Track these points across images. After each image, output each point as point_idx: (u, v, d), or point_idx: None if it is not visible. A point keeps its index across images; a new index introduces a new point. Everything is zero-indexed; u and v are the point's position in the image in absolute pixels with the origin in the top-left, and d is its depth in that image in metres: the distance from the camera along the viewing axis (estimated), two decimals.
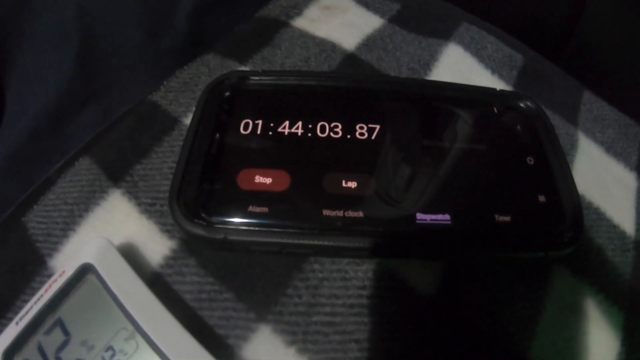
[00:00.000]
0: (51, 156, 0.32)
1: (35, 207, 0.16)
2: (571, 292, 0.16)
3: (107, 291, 0.12)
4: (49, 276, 0.15)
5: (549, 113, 0.20)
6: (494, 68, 0.20)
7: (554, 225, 0.15)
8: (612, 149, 0.20)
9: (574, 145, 0.20)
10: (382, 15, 0.22)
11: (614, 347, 0.15)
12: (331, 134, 0.15)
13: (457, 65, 0.20)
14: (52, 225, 0.16)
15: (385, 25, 0.21)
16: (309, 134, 0.15)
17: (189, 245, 0.14)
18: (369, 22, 0.21)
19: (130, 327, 0.12)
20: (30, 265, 0.15)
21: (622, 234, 0.18)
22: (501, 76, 0.20)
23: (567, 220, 0.15)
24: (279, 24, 0.21)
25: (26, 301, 0.14)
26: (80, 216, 0.15)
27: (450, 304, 0.14)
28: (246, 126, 0.15)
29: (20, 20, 0.28)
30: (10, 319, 0.14)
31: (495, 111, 0.17)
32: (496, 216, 0.14)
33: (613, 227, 0.18)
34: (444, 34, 0.21)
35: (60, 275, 0.14)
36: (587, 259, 0.17)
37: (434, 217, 0.13)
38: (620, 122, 0.22)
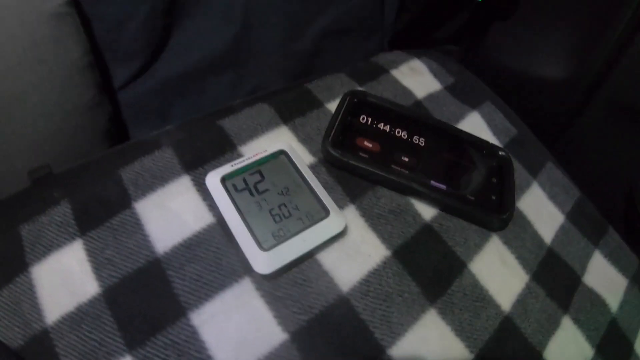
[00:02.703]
0: (187, 99, 0.52)
1: (227, 118, 0.37)
2: (497, 250, 0.36)
3: (290, 163, 0.32)
4: (239, 155, 0.35)
5: (518, 166, 0.41)
6: (495, 132, 0.41)
7: (496, 211, 0.35)
8: (553, 198, 0.40)
9: (528, 186, 0.40)
10: (441, 83, 0.43)
11: (518, 286, 0.35)
12: (401, 135, 0.36)
13: (473, 125, 0.40)
14: (242, 132, 0.35)
15: (441, 89, 0.42)
16: (391, 132, 0.36)
17: (324, 162, 0.34)
18: (433, 85, 0.42)
19: (298, 179, 0.32)
20: (225, 148, 0.34)
21: (540, 240, 0.37)
22: (498, 137, 0.41)
23: (502, 211, 0.35)
24: (383, 70, 0.42)
25: (226, 161, 0.33)
26: (261, 132, 0.35)
27: (437, 226, 0.34)
28: (362, 119, 0.36)
29: None
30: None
31: (484, 152, 0.38)
32: (467, 195, 0.35)
33: (535, 233, 0.38)
34: (473, 104, 0.42)
35: (263, 151, 0.33)
36: (513, 241, 0.36)
37: (438, 184, 0.34)
38: (566, 185, 0.42)
